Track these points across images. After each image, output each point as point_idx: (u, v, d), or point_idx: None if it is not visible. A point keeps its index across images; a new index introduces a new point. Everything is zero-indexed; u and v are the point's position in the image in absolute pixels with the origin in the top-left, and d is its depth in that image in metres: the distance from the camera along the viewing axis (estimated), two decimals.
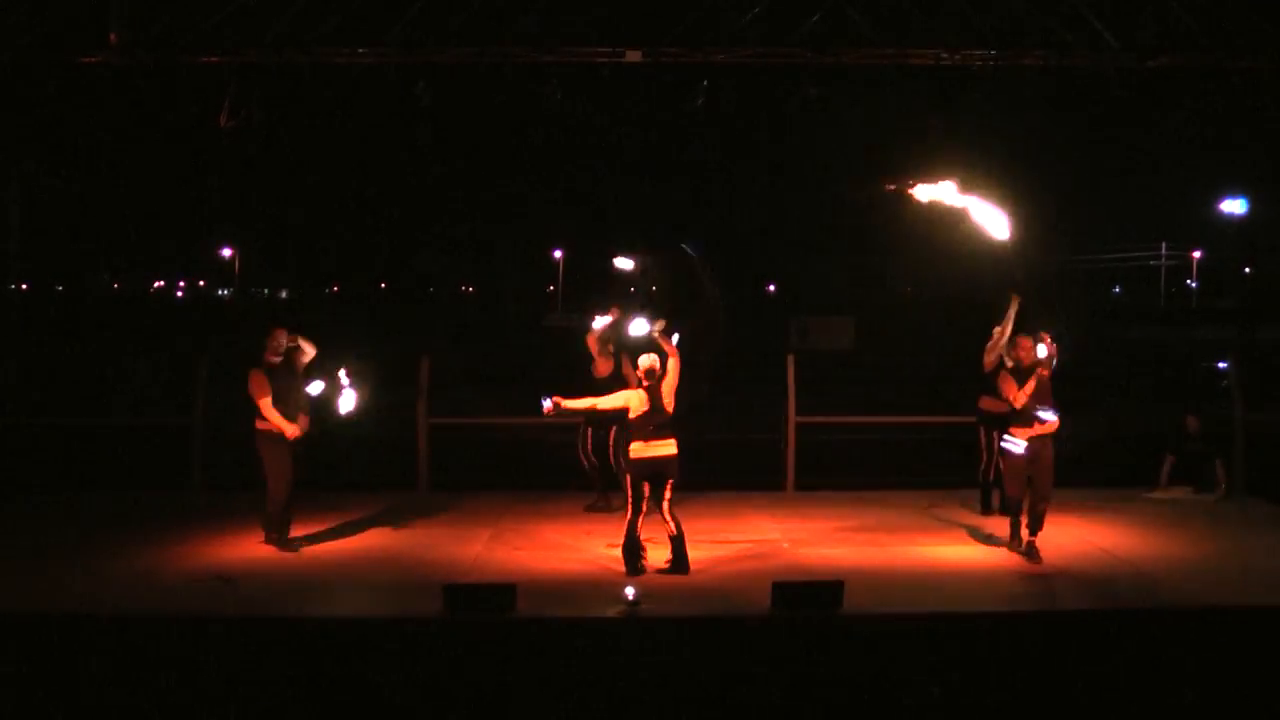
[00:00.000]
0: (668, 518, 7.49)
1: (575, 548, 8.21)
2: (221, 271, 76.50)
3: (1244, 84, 10.12)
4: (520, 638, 6.34)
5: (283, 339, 8.12)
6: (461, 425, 10.98)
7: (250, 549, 8.11)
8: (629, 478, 7.54)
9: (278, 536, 8.12)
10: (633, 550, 7.46)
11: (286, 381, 8.06)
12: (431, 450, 10.41)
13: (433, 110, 10.23)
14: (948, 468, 10.46)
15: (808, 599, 6.60)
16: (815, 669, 6.20)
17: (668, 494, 7.49)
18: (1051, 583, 7.35)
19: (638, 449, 7.47)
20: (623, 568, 7.48)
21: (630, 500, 7.49)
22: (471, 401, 13.33)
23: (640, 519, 7.46)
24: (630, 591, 6.68)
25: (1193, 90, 10.26)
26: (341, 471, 10.50)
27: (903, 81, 10.31)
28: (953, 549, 8.27)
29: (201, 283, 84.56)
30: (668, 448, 7.49)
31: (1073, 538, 8.56)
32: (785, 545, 8.33)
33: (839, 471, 10.83)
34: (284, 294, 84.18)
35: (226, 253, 69.64)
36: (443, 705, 5.86)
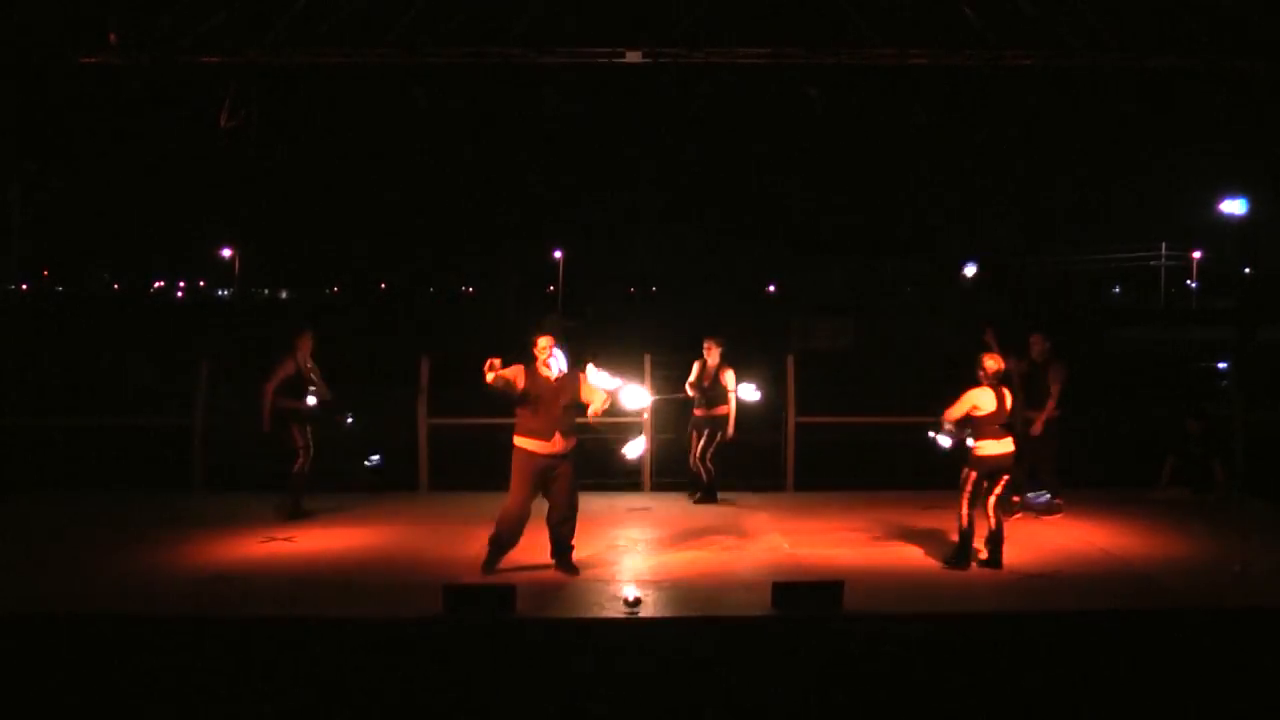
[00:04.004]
0: (991, 514, 7.62)
1: (575, 548, 8.19)
2: (221, 271, 76.57)
3: (1244, 84, 10.11)
4: (520, 638, 6.34)
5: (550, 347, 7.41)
6: (461, 425, 10.96)
7: (250, 549, 8.11)
8: (973, 474, 7.61)
9: (560, 558, 7.58)
10: (967, 545, 7.62)
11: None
12: (431, 450, 10.41)
13: (431, 110, 10.24)
14: (947, 468, 10.43)
15: (808, 599, 6.61)
16: (815, 669, 6.19)
17: (999, 490, 7.62)
18: (1051, 583, 7.34)
19: (986, 446, 7.57)
20: (627, 569, 7.47)
21: (968, 495, 7.61)
22: (471, 401, 13.30)
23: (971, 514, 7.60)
24: (630, 591, 6.68)
25: (1193, 90, 10.25)
26: (341, 472, 10.48)
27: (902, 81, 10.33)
28: (952, 549, 8.25)
29: (201, 283, 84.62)
30: (1008, 444, 7.63)
31: (1073, 538, 8.56)
32: (786, 546, 8.33)
33: (839, 471, 10.82)
34: (284, 294, 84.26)
35: (226, 253, 69.72)
36: (443, 705, 5.86)
